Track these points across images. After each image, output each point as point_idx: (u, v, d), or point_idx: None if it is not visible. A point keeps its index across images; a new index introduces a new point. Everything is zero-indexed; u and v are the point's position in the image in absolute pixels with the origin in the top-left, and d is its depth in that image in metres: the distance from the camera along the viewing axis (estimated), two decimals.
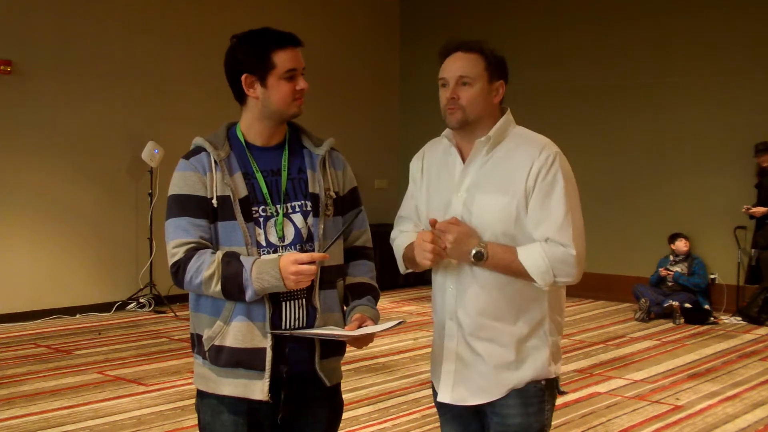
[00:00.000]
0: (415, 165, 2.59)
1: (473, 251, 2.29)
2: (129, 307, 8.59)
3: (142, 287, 8.63)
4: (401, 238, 2.58)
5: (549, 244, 2.29)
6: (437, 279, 2.48)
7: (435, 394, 2.56)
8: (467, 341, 2.40)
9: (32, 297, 7.99)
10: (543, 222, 2.31)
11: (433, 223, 2.36)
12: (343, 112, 10.66)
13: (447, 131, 2.49)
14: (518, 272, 2.31)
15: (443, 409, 2.54)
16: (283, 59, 2.30)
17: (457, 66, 2.37)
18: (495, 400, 2.40)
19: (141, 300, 8.60)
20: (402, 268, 2.60)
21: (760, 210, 8.35)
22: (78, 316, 8.21)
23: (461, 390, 2.42)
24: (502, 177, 2.36)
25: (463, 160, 2.43)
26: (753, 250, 8.60)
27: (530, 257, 2.29)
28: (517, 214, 2.32)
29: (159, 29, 8.96)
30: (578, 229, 2.33)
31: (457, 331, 2.42)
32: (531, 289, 2.36)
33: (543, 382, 2.40)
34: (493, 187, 2.36)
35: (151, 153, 8.47)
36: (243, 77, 2.32)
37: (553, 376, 2.43)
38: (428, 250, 2.34)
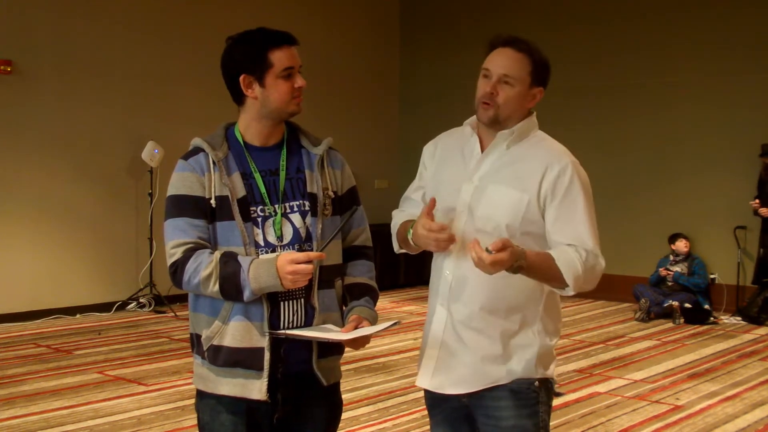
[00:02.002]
0: (428, 150, 2.57)
1: (515, 264, 2.21)
2: (129, 307, 8.59)
3: (142, 287, 8.63)
4: (398, 217, 2.56)
5: (581, 250, 2.28)
6: (436, 263, 2.47)
7: (425, 394, 2.53)
8: (455, 329, 2.38)
9: (32, 297, 7.99)
10: (569, 229, 2.30)
11: (434, 204, 2.31)
12: (343, 112, 10.66)
13: (471, 120, 2.47)
14: (551, 278, 2.29)
15: (434, 410, 2.52)
16: (279, 58, 2.31)
17: (503, 63, 2.34)
18: (487, 402, 2.37)
19: (141, 300, 8.60)
20: (396, 247, 2.58)
21: (766, 211, 8.35)
22: (78, 316, 8.21)
23: (441, 378, 2.40)
24: (517, 172, 2.35)
25: (482, 150, 2.42)
26: (761, 250, 8.58)
27: (568, 262, 2.27)
28: (526, 210, 2.32)
29: (159, 29, 8.97)
30: (598, 239, 2.35)
31: (446, 317, 2.40)
32: (528, 287, 2.36)
33: (536, 383, 2.38)
34: (507, 180, 2.35)
35: (151, 153, 8.47)
36: (241, 78, 2.33)
37: (540, 377, 2.39)
38: (437, 238, 2.28)
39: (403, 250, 2.56)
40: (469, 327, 2.37)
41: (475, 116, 2.45)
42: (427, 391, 2.52)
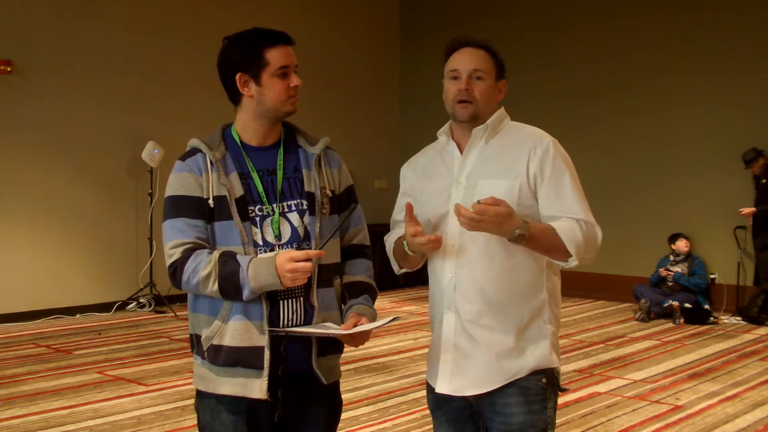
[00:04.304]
0: (406, 170, 2.63)
1: (516, 232, 2.25)
2: (129, 307, 8.59)
3: (142, 287, 8.63)
4: (391, 239, 2.59)
5: (580, 221, 2.33)
6: (435, 268, 2.47)
7: (429, 395, 2.54)
8: (466, 329, 2.39)
9: (32, 297, 7.99)
10: (564, 202, 2.35)
11: (410, 209, 2.36)
12: (343, 111, 10.66)
13: (443, 128, 2.52)
14: (554, 248, 2.32)
15: (437, 412, 2.52)
16: (275, 56, 2.32)
17: (470, 60, 2.41)
18: (496, 399, 2.38)
19: (141, 300, 8.60)
20: (396, 268, 2.60)
21: (748, 210, 8.40)
22: (78, 316, 8.21)
23: (460, 380, 2.40)
24: (502, 162, 2.39)
25: (461, 152, 2.46)
26: (755, 252, 8.61)
27: (568, 230, 2.31)
28: (520, 196, 2.35)
29: (159, 29, 8.97)
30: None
31: (455, 320, 2.40)
32: (531, 276, 2.38)
33: (544, 379, 2.39)
34: (494, 172, 2.38)
35: (151, 153, 8.47)
36: (237, 76, 2.33)
37: (555, 365, 2.42)
38: (423, 242, 2.33)
39: (404, 270, 2.59)
40: (480, 325, 2.38)
41: (447, 125, 2.51)
42: (430, 392, 2.52)
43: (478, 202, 2.23)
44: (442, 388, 2.43)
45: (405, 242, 2.41)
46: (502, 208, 2.23)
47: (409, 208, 2.37)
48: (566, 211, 2.34)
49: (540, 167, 2.35)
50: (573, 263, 2.35)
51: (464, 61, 2.41)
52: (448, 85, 2.44)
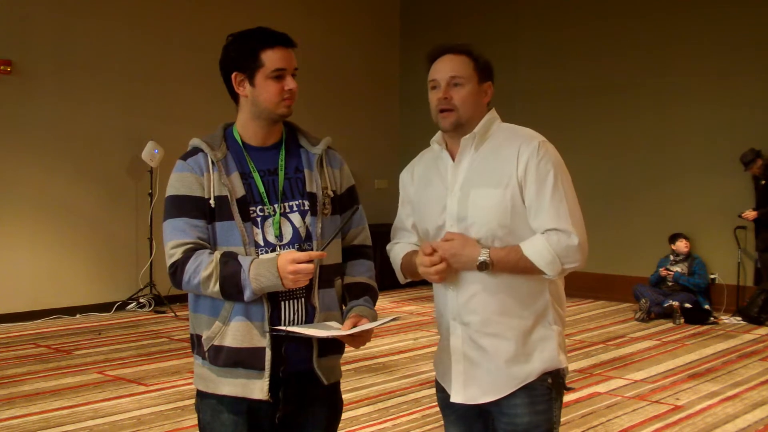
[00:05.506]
0: (405, 177, 2.62)
1: (478, 261, 2.30)
2: (129, 307, 8.59)
3: (142, 287, 8.63)
4: (396, 249, 2.59)
5: (551, 233, 2.31)
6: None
7: (439, 395, 2.55)
8: (473, 339, 2.39)
9: (32, 297, 7.99)
10: (541, 212, 2.32)
11: (430, 252, 2.36)
12: (343, 111, 10.67)
13: (436, 136, 2.50)
14: (526, 269, 2.32)
15: (447, 410, 2.53)
16: (271, 58, 2.31)
17: (447, 67, 2.38)
18: (502, 399, 2.39)
19: (141, 300, 8.60)
20: (401, 279, 2.61)
21: (751, 214, 8.42)
22: (78, 316, 8.21)
23: (473, 389, 2.42)
24: (493, 170, 2.37)
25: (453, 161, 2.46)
26: (757, 252, 8.62)
27: (535, 251, 2.30)
28: (513, 204, 2.33)
29: (159, 29, 8.97)
30: (576, 214, 2.35)
31: (462, 330, 2.41)
32: (532, 280, 2.37)
33: (550, 380, 2.40)
34: (486, 181, 2.37)
35: (151, 153, 8.48)
36: (233, 75, 2.34)
37: (563, 365, 2.42)
38: (433, 272, 2.35)
39: (409, 279, 2.59)
40: (486, 334, 2.38)
41: (439, 132, 2.49)
42: (440, 391, 2.54)
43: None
44: (456, 397, 2.44)
45: (419, 270, 2.41)
46: (457, 240, 2.31)
47: (429, 250, 2.38)
48: (548, 219, 2.32)
49: (525, 171, 2.33)
50: (553, 277, 2.35)
51: (441, 69, 2.39)
52: (431, 96, 2.42)
